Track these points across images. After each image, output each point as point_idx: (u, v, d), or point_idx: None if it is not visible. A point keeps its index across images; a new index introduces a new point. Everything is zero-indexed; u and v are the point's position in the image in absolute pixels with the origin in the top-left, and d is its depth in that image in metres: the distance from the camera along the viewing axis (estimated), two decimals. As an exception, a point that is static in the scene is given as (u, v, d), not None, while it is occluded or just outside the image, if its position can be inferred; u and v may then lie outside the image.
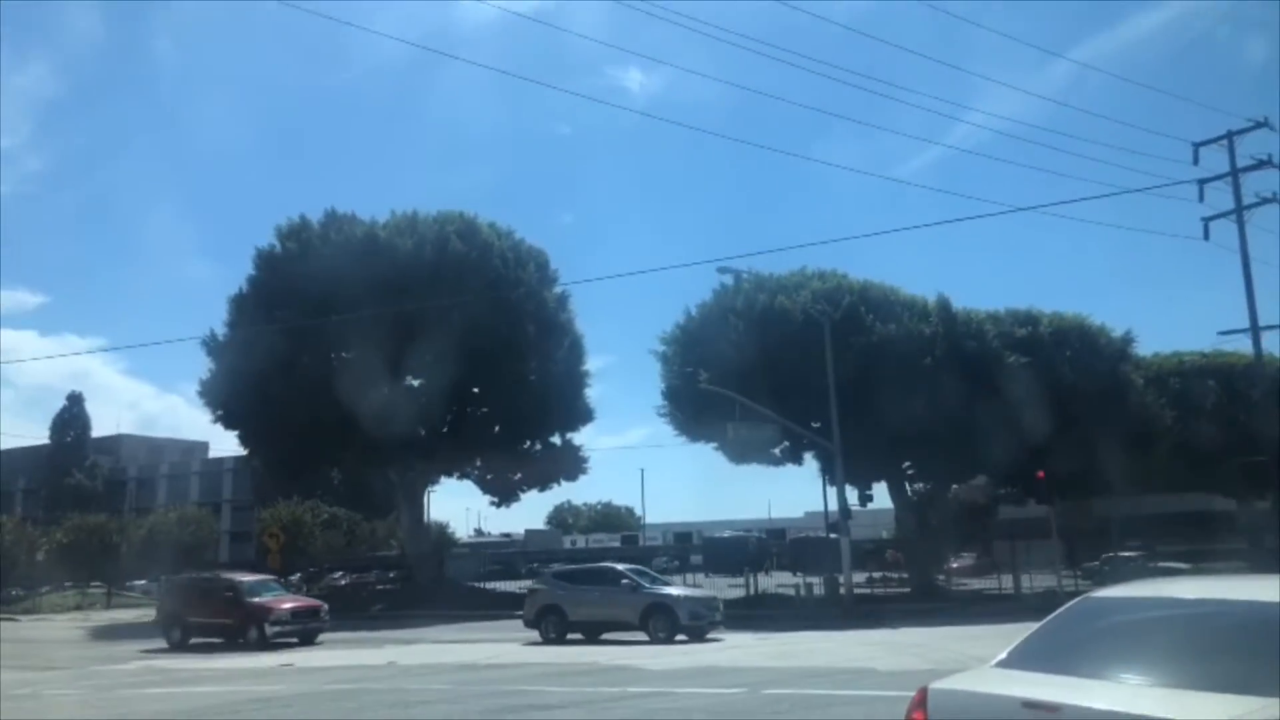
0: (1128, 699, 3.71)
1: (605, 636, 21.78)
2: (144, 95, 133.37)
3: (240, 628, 23.79)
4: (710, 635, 21.22)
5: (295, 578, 47.39)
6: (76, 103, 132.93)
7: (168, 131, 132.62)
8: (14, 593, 52.59)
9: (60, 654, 23.12)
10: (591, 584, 22.50)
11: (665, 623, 20.78)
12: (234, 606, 24.21)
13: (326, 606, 25.70)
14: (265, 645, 22.82)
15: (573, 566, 27.61)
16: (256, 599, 24.39)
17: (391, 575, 41.08)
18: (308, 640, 23.89)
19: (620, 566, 23.81)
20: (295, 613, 24.26)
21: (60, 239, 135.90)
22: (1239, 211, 28.44)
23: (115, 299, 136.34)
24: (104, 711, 12.08)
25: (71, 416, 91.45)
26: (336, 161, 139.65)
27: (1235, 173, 28.61)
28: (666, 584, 24.24)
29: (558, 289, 40.42)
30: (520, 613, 23.99)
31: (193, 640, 24.50)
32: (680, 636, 20.69)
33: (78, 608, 48.25)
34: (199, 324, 69.98)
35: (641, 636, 20.90)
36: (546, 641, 21.61)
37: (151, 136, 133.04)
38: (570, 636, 21.92)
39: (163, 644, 24.43)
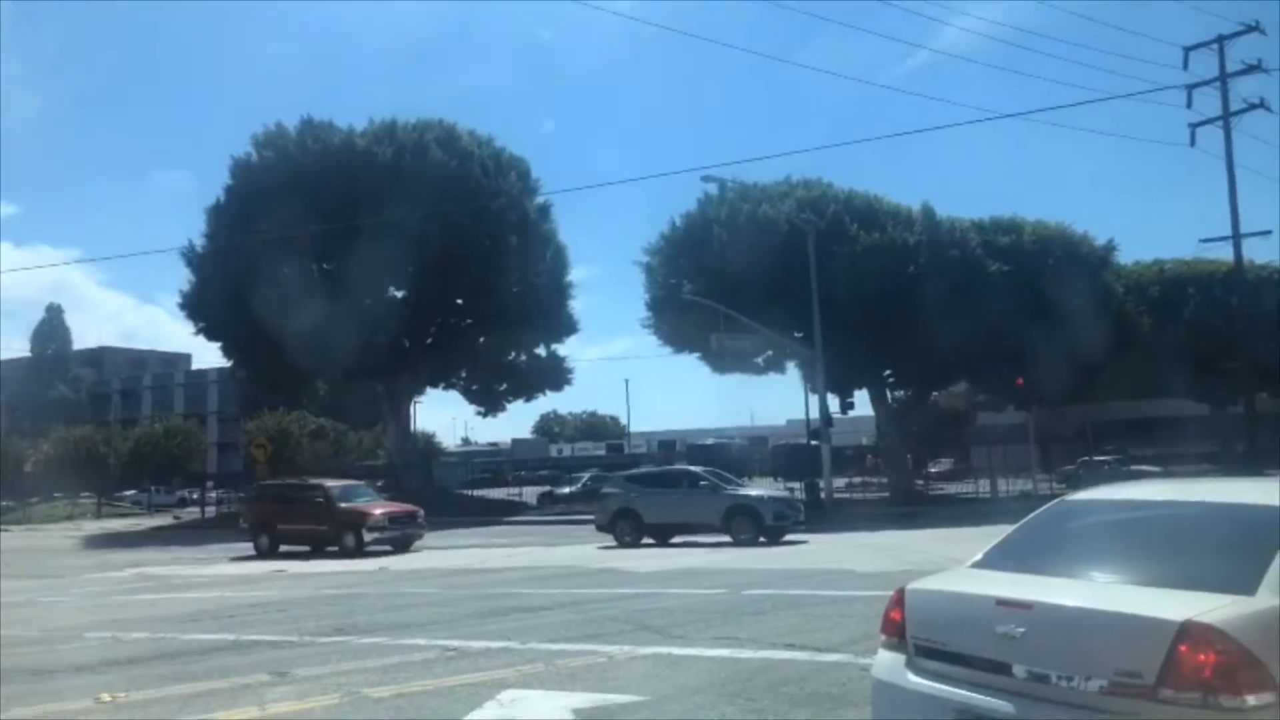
0: (1099, 596, 3.85)
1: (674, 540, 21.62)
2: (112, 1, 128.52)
3: (334, 535, 22.65)
4: (788, 538, 20.87)
5: (284, 487, 47.92)
6: (41, 8, 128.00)
7: (137, 36, 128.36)
8: (3, 504, 52.97)
9: (56, 563, 23.42)
10: (668, 487, 22.29)
11: (749, 524, 20.58)
12: (326, 513, 23.05)
13: (422, 511, 24.47)
14: (361, 552, 21.82)
15: (646, 470, 27.16)
16: (349, 504, 23.30)
17: (379, 484, 41.48)
18: (404, 547, 22.75)
19: (696, 469, 23.63)
20: (393, 518, 23.08)
21: (29, 147, 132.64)
22: (1226, 117, 28.23)
23: (90, 209, 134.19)
24: (100, 615, 12.34)
25: (51, 329, 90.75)
26: (312, 67, 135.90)
27: (1224, 78, 28.30)
28: (743, 485, 23.77)
29: (539, 199, 39.99)
30: (510, 518, 24.20)
31: (282, 548, 23.46)
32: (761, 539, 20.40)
33: (69, 518, 48.74)
34: (179, 234, 68.96)
35: (716, 539, 20.85)
36: (621, 545, 21.30)
37: (120, 42, 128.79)
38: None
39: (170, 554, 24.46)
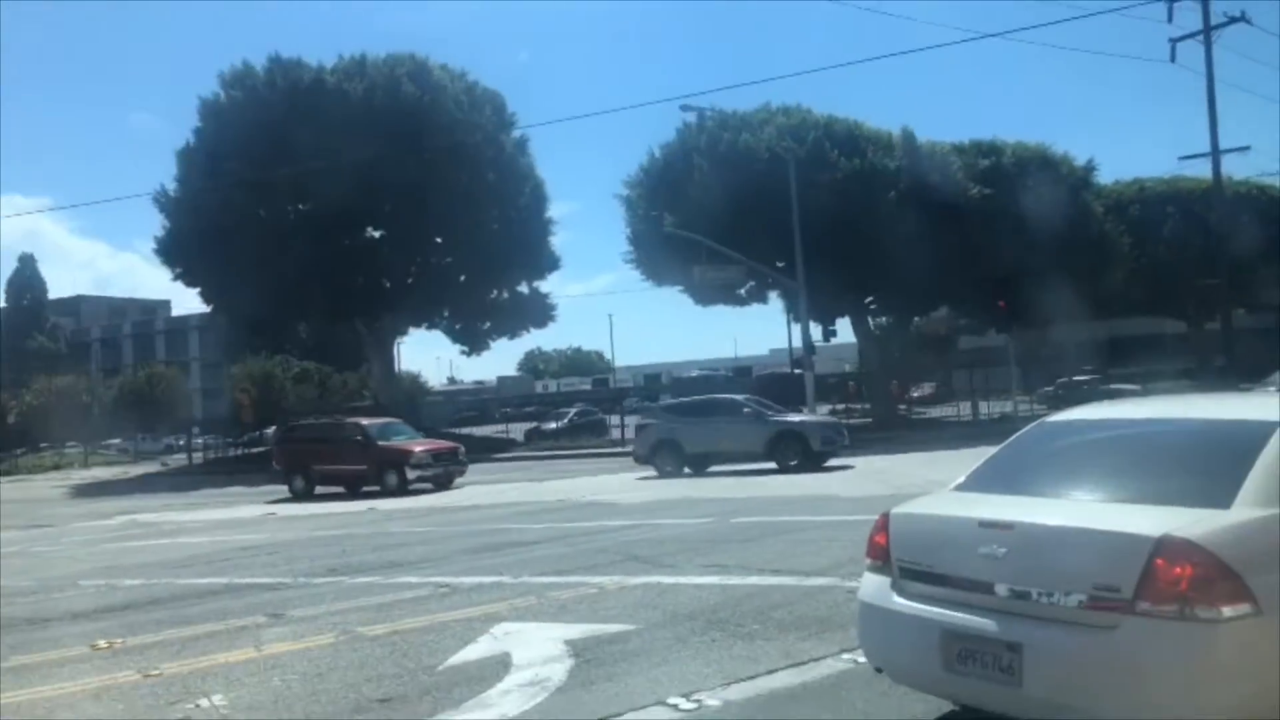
0: (1079, 514, 3.92)
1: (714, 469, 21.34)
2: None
3: (375, 474, 22.09)
4: (834, 461, 20.73)
5: (271, 430, 47.95)
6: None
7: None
8: (-12, 456, 52.85)
9: (47, 512, 23.46)
10: (710, 415, 21.89)
11: (797, 449, 20.32)
12: (365, 452, 22.40)
13: (463, 448, 24.03)
14: (404, 491, 21.34)
15: (686, 399, 25.98)
16: (388, 443, 22.72)
17: (366, 425, 41.58)
18: (445, 484, 22.29)
19: (739, 397, 23.24)
20: (436, 455, 22.52)
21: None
22: (1207, 31, 27.95)
23: (60, 157, 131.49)
24: (93, 563, 12.41)
25: (25, 279, 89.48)
26: (278, 2, 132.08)
27: (1206, -10, 27.94)
28: (786, 412, 23.05)
29: (516, 133, 39.41)
30: (498, 455, 24.16)
31: (318, 490, 23.10)
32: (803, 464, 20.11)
33: (56, 468, 48.72)
34: (151, 179, 67.80)
35: (760, 465, 20.64)
36: (663, 475, 20.98)
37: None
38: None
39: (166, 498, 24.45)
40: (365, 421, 24.38)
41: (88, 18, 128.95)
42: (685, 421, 22.02)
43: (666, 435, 21.94)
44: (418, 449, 22.48)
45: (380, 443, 22.65)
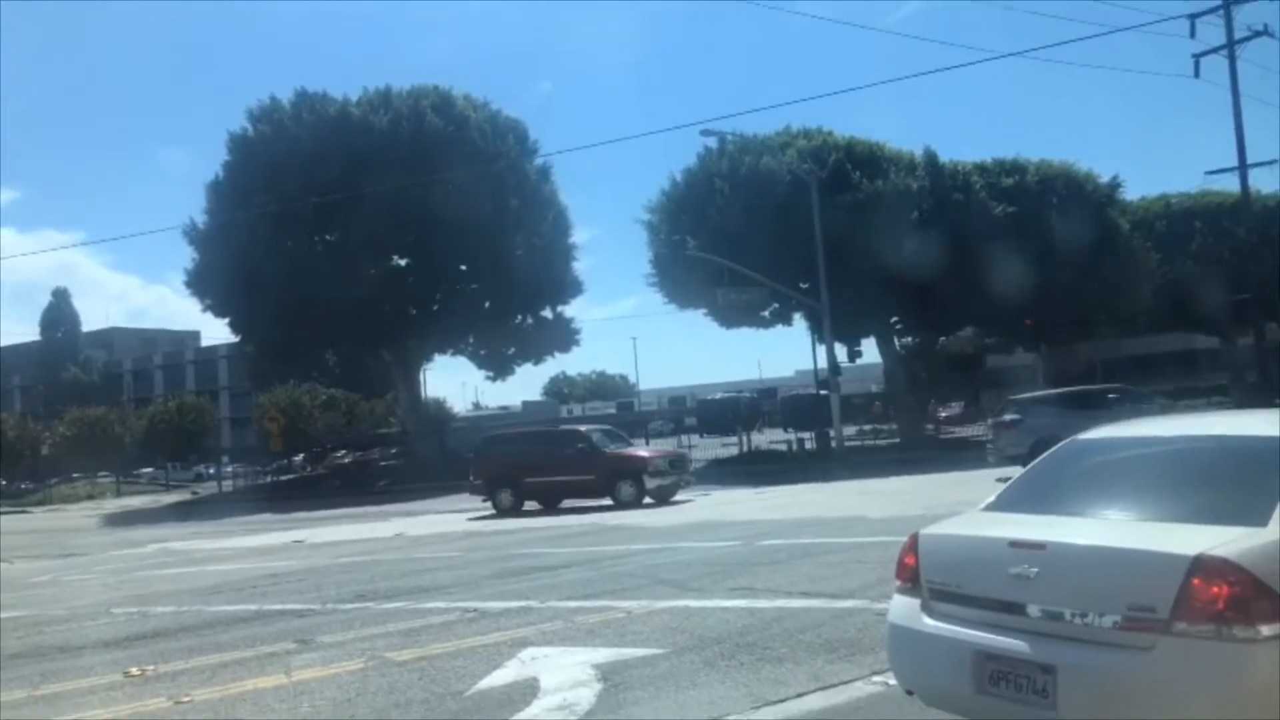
0: (1111, 533, 3.87)
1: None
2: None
3: (604, 484, 20.28)
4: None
5: (300, 458, 48.30)
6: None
7: (130, 17, 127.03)
8: (24, 486, 53.55)
9: (79, 541, 23.69)
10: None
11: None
12: (592, 460, 20.61)
13: (689, 454, 22.35)
14: (641, 502, 19.75)
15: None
16: (615, 450, 21.12)
17: (394, 451, 41.83)
18: (666, 497, 20.32)
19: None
20: (671, 462, 20.76)
21: (28, 132, 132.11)
22: (1230, 46, 27.80)
23: (93, 191, 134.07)
24: (124, 591, 12.51)
25: (59, 312, 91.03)
26: (304, 38, 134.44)
27: (1227, 5, 27.81)
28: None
29: (539, 160, 39.76)
30: None
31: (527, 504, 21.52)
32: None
33: (89, 497, 49.27)
34: (179, 214, 68.81)
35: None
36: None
37: (114, 22, 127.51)
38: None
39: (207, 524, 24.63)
40: (583, 428, 22.82)
41: (117, 55, 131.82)
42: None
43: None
44: (655, 455, 20.89)
45: (609, 449, 20.92)
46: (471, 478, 22.53)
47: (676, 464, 21.00)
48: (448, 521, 20.73)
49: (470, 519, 20.72)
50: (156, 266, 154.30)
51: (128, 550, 20.06)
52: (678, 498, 20.64)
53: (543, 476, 21.01)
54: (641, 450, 21.34)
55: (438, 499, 28.59)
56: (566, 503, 21.17)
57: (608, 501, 20.23)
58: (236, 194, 37.04)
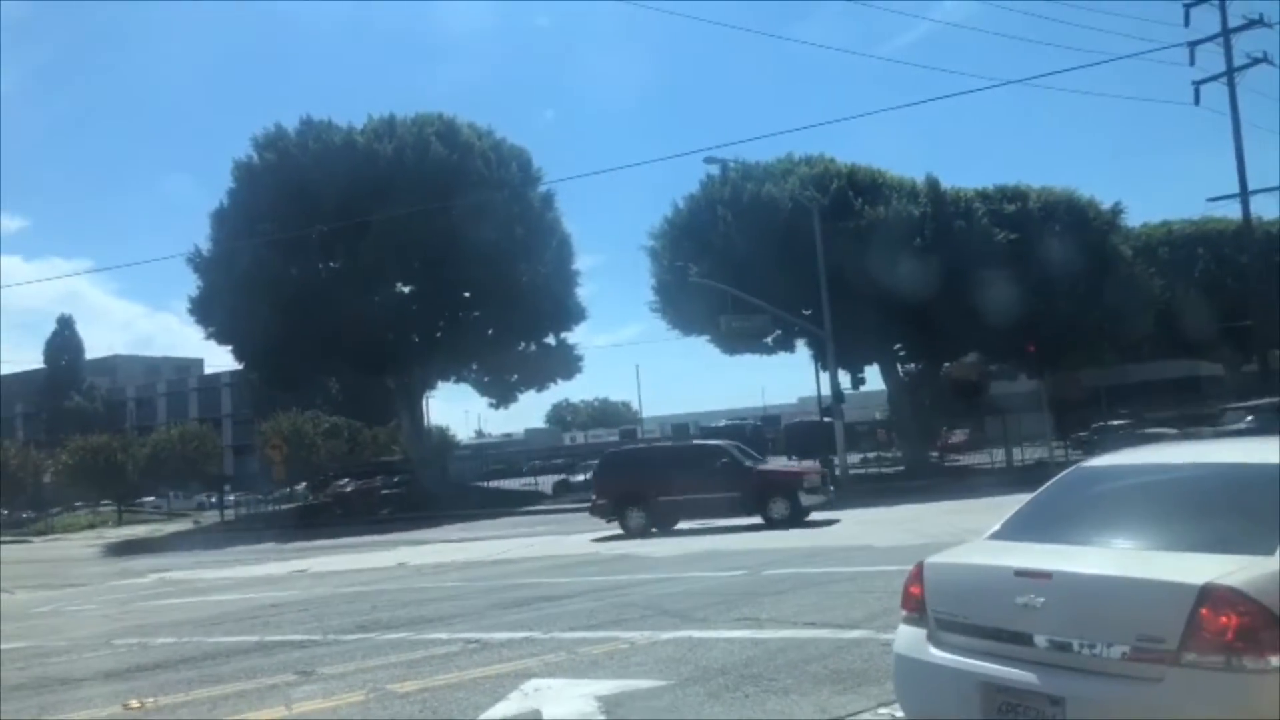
0: (1118, 562, 3.84)
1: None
2: (110, 9, 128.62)
3: (754, 502, 19.29)
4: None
5: (302, 486, 48.20)
6: (41, 20, 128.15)
7: (134, 45, 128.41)
8: (24, 515, 53.42)
9: (80, 571, 23.60)
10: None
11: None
12: (739, 476, 19.53)
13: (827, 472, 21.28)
14: (796, 519, 18.80)
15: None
16: (766, 466, 20.28)
17: (396, 480, 41.72)
18: (803, 517, 19.14)
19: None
20: (823, 478, 19.90)
21: (36, 160, 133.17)
22: (1230, 73, 27.99)
23: (99, 219, 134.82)
24: (125, 622, 12.44)
25: (64, 340, 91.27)
26: (309, 66, 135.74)
27: (1226, 33, 28.04)
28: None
29: (542, 188, 39.98)
30: (527, 508, 22.98)
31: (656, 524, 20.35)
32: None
33: (90, 526, 49.17)
34: (185, 241, 69.25)
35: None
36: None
37: (120, 52, 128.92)
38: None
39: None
40: (720, 442, 21.88)
41: (123, 84, 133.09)
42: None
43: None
44: (809, 471, 20.06)
45: (756, 465, 20.01)
46: (595, 498, 21.39)
47: (825, 481, 20.38)
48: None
49: (593, 539, 19.70)
50: (161, 294, 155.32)
51: (129, 580, 19.98)
52: (818, 515, 19.60)
53: (680, 495, 19.86)
54: (795, 465, 20.66)
55: (441, 527, 28.52)
56: (688, 522, 20.33)
57: (754, 520, 19.29)
58: (241, 221, 37.24)
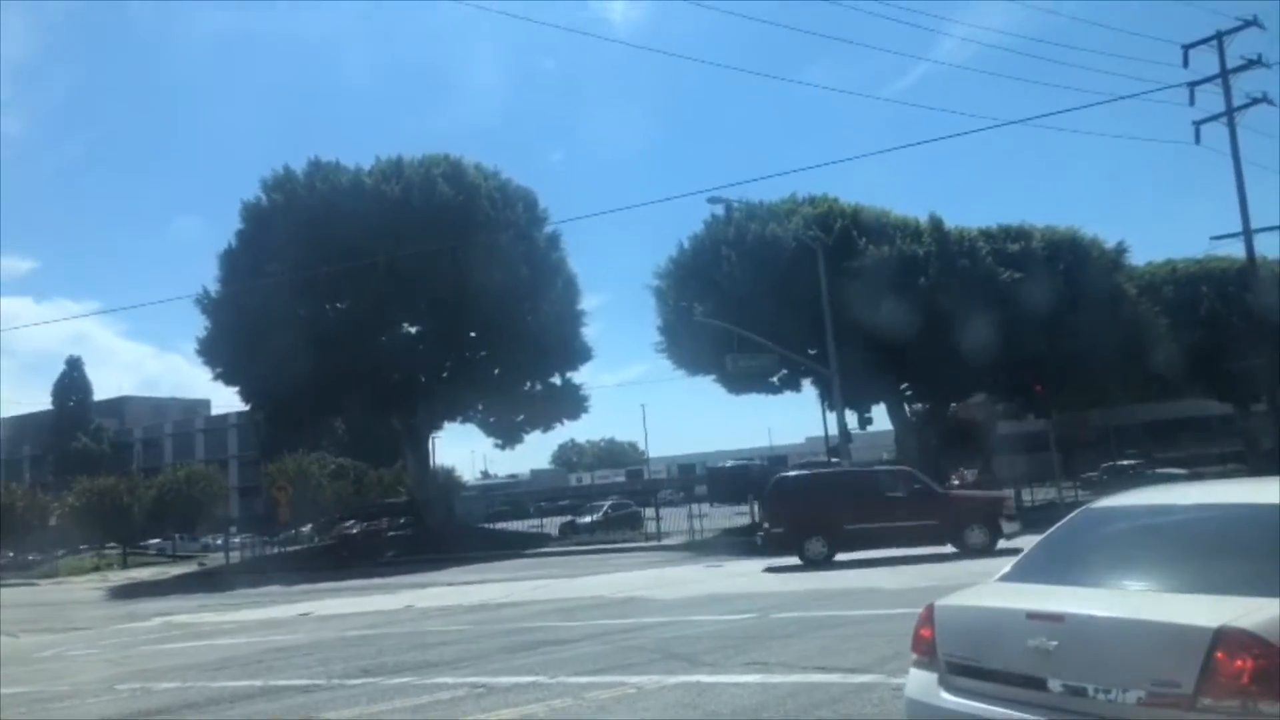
0: (1130, 604, 3.81)
1: None
2: (117, 53, 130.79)
3: (950, 530, 18.51)
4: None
5: (308, 528, 48.00)
6: (50, 63, 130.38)
7: (144, 89, 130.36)
8: (30, 558, 53.21)
9: (84, 614, 23.46)
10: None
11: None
12: (933, 503, 18.73)
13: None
14: (993, 548, 17.78)
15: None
16: (963, 491, 19.78)
17: (402, 521, 41.53)
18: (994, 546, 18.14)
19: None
20: (1017, 505, 19.33)
21: (46, 203, 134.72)
22: (1230, 113, 28.15)
23: (107, 261, 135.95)
24: (128, 667, 12.34)
25: (72, 381, 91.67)
26: (317, 109, 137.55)
27: (1225, 74, 28.25)
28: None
29: (548, 228, 40.25)
30: (533, 550, 22.54)
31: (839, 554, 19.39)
32: None
33: (95, 569, 48.92)
34: (194, 282, 69.78)
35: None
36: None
37: (128, 95, 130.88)
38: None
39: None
40: (902, 467, 21.23)
41: (132, 126, 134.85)
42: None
43: None
44: (1008, 496, 19.41)
45: (950, 490, 19.40)
46: (768, 526, 20.36)
47: (1018, 508, 20.01)
48: (454, 593, 20.33)
49: (765, 569, 19.04)
50: (170, 335, 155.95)
51: (133, 624, 19.85)
52: (1003, 544, 18.56)
53: (867, 522, 18.96)
54: (993, 490, 20.06)
55: (446, 570, 28.31)
56: (865, 552, 19.30)
57: (941, 549, 18.56)
58: (249, 262, 37.50)
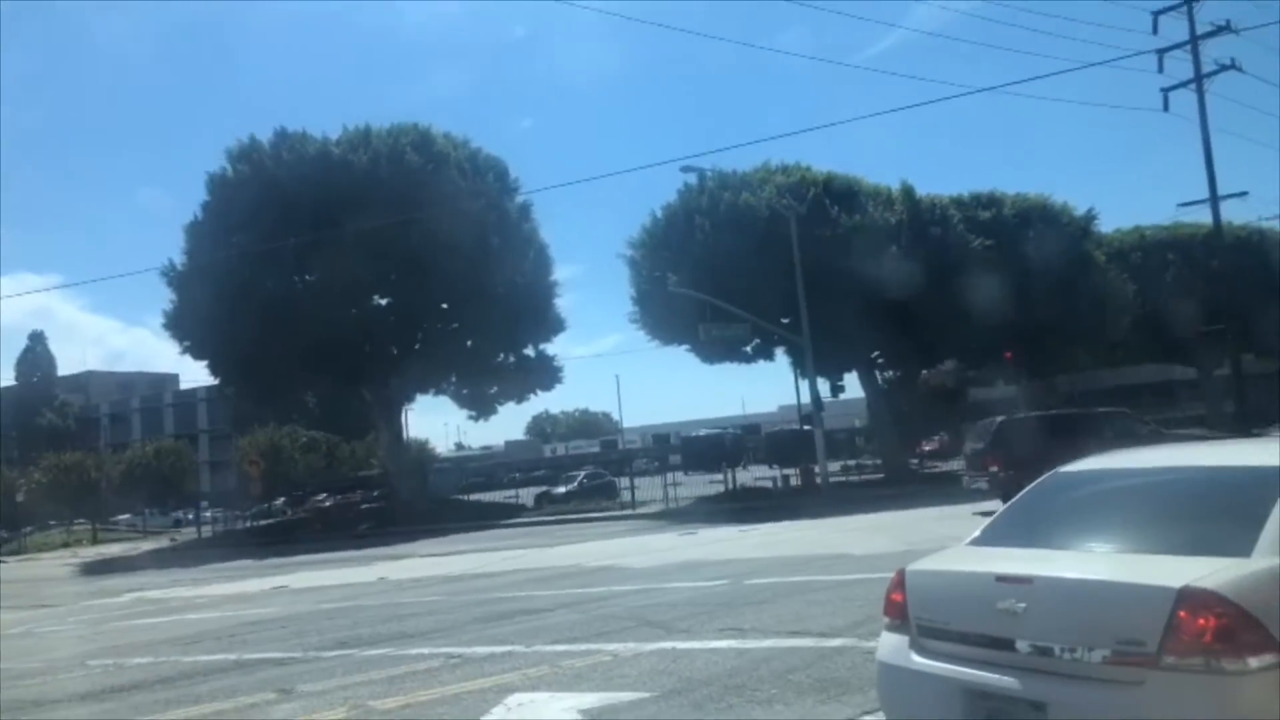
0: (1097, 566, 3.87)
1: None
2: (79, 22, 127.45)
3: None
4: None
5: (280, 502, 47.77)
6: (8, 33, 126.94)
7: (104, 56, 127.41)
8: (-2, 535, 52.59)
9: (54, 591, 23.27)
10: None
11: None
12: (1151, 443, 18.20)
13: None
14: None
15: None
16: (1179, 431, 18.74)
17: (375, 494, 41.41)
18: None
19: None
20: None
21: (5, 174, 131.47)
22: (1198, 80, 28.30)
23: (69, 234, 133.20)
24: (100, 642, 12.26)
25: (35, 356, 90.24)
26: (282, 77, 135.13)
27: (1195, 40, 28.36)
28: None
29: (519, 198, 39.90)
30: (508, 521, 22.14)
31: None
32: None
33: (65, 545, 48.46)
34: (158, 254, 68.60)
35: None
36: None
37: (90, 65, 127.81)
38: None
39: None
40: (1115, 410, 20.61)
41: (95, 95, 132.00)
42: None
43: None
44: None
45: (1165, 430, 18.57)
46: (995, 469, 19.66)
47: None
48: (430, 564, 20.35)
49: (976, 512, 17.83)
50: (135, 309, 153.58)
51: (104, 600, 19.71)
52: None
53: None
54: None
55: (419, 542, 28.33)
56: None
57: None
58: (216, 234, 36.90)
